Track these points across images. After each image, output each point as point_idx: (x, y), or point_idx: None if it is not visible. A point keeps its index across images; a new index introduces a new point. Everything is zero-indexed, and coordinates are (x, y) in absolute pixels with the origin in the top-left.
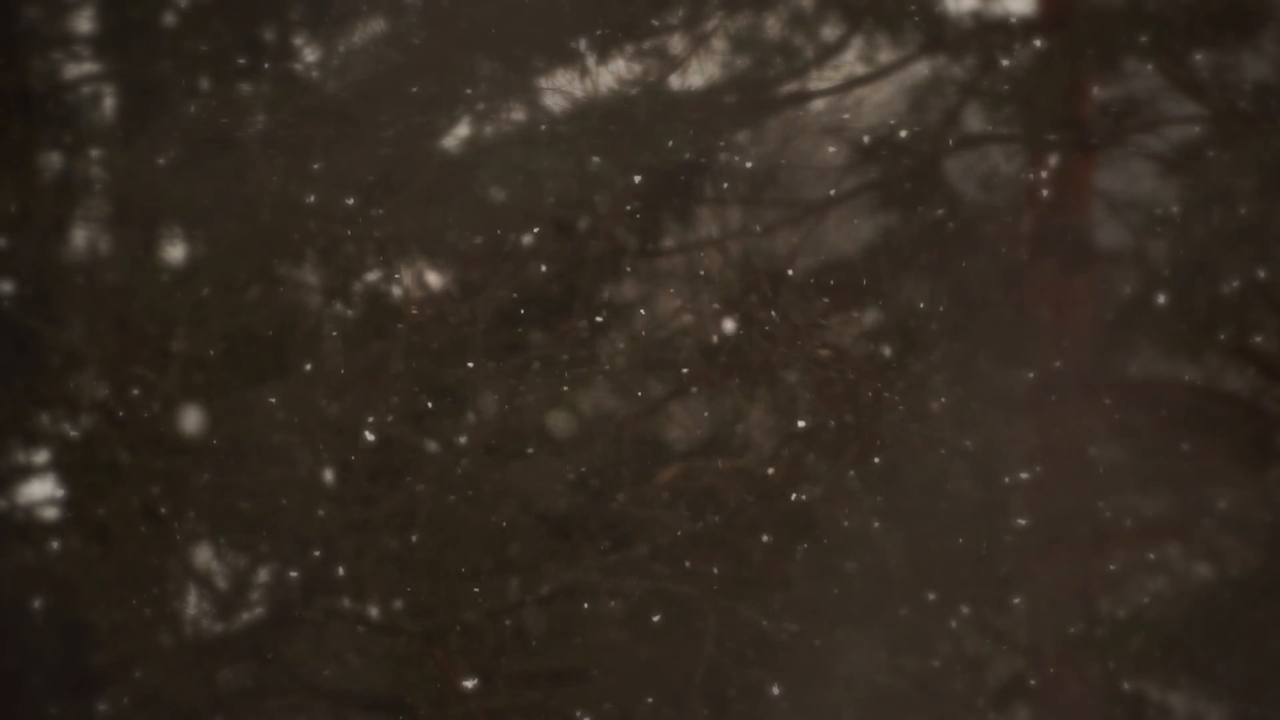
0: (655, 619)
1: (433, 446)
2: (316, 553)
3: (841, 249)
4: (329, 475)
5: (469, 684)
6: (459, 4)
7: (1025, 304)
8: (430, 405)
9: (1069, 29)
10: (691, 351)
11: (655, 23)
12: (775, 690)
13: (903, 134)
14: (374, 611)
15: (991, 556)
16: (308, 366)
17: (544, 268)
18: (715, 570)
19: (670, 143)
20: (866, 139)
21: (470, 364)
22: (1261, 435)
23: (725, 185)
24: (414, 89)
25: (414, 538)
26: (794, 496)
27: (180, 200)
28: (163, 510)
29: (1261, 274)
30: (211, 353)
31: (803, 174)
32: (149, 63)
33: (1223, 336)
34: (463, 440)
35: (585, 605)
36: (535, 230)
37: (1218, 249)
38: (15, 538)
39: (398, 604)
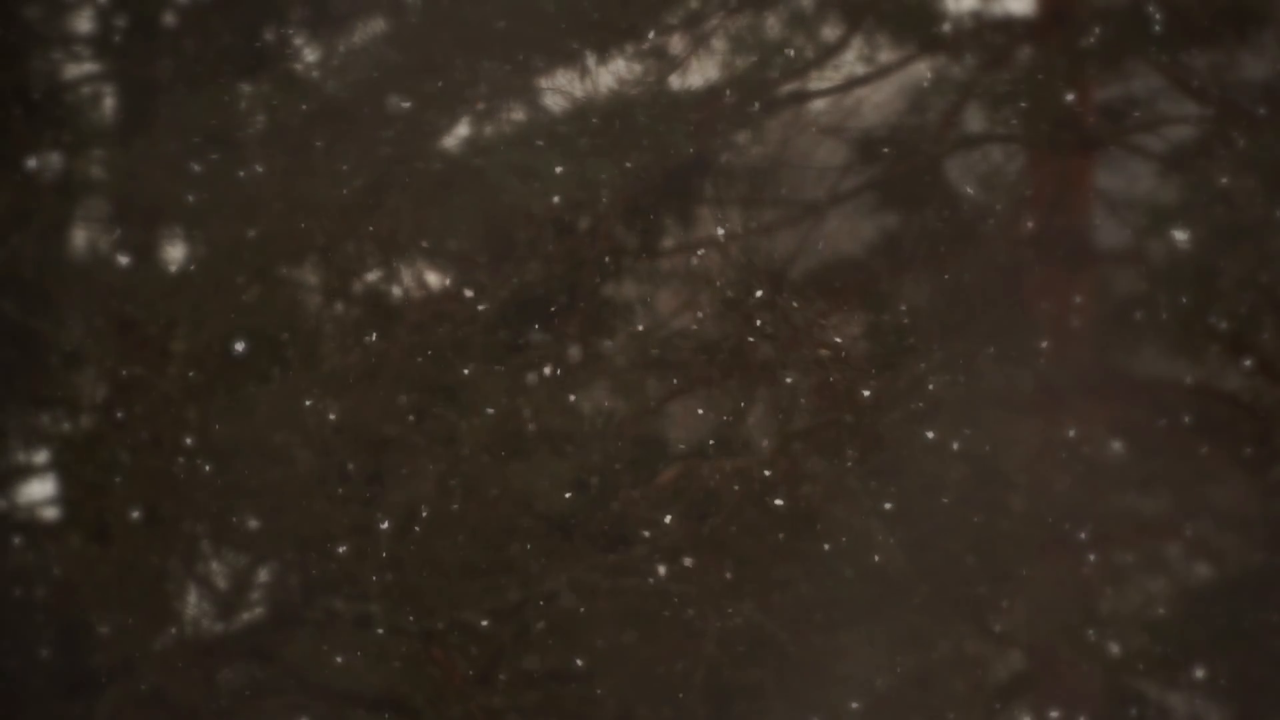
0: (655, 619)
1: (433, 446)
2: (316, 553)
3: (841, 249)
4: (329, 475)
5: (469, 684)
6: (459, 4)
7: (1025, 304)
8: (430, 405)
9: (1069, 29)
10: (691, 351)
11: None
12: (775, 690)
13: (902, 134)
14: (374, 611)
15: (991, 557)
16: (307, 367)
17: (544, 268)
18: (715, 570)
19: (670, 143)
20: (866, 139)
21: (470, 364)
22: (1261, 435)
23: (725, 185)
24: (415, 89)
25: (414, 538)
26: (794, 496)
27: (180, 200)
28: (163, 510)
29: (1261, 274)
30: (212, 353)
31: (803, 174)
32: (149, 63)
33: (1223, 337)
34: (463, 440)
35: (585, 605)
36: (535, 230)
37: (1218, 249)
38: (15, 538)
39: (398, 604)
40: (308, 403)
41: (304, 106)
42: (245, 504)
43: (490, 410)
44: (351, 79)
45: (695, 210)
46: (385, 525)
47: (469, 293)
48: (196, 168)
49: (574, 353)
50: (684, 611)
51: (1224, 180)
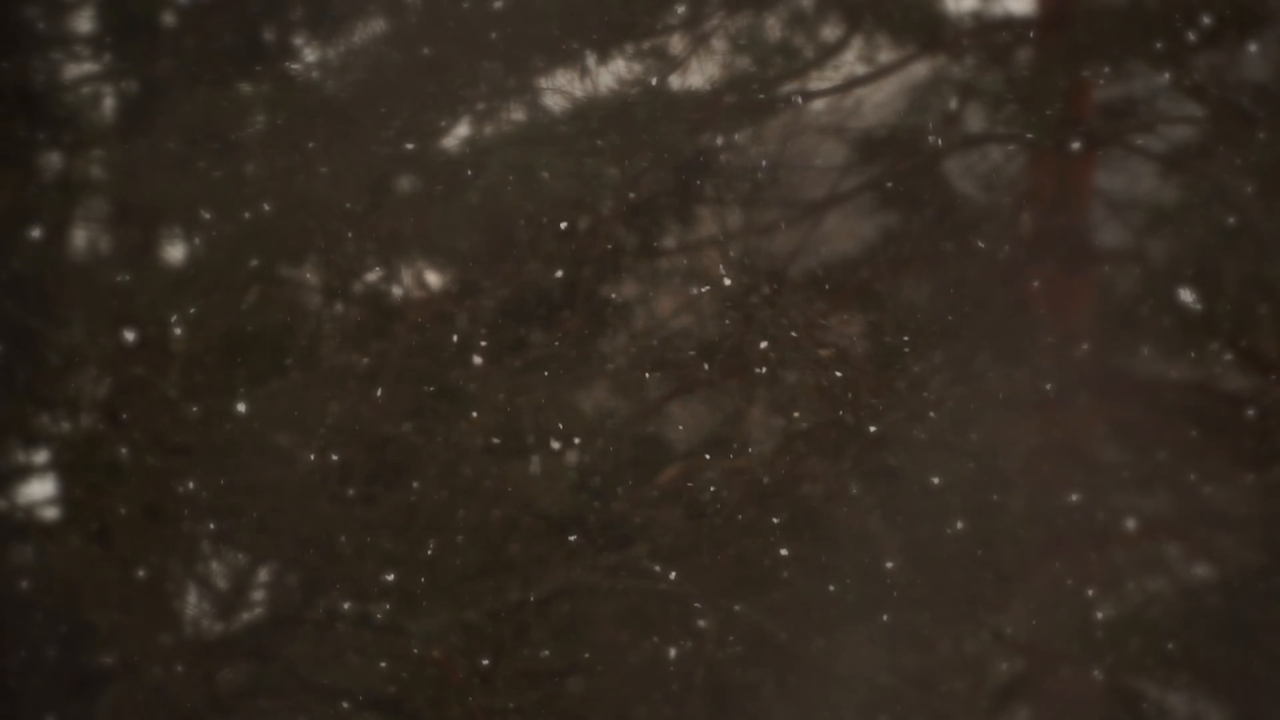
0: (655, 619)
1: (433, 446)
2: (316, 553)
3: (841, 249)
4: (329, 475)
5: (469, 684)
6: (459, 4)
7: (1025, 304)
8: (430, 405)
9: (1069, 29)
10: (691, 352)
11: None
12: (775, 690)
13: (902, 134)
14: (374, 611)
15: (991, 556)
16: (308, 367)
17: (544, 268)
18: (715, 570)
19: (670, 143)
20: (866, 139)
21: (469, 364)
22: (1261, 435)
23: (725, 185)
24: (415, 89)
25: (414, 538)
26: (794, 496)
27: (180, 200)
28: (163, 510)
29: (1261, 274)
30: (211, 353)
31: (803, 174)
32: (149, 63)
33: (1223, 337)
34: (463, 440)
35: (585, 605)
36: (535, 230)
37: (1218, 249)
38: (15, 538)
39: (397, 604)
40: (308, 403)
41: (304, 107)
42: (245, 504)
43: (490, 410)
44: (351, 79)
45: (695, 210)
46: (385, 525)
47: (469, 293)
48: (196, 168)
49: (574, 353)
50: (684, 611)
51: (1224, 180)
